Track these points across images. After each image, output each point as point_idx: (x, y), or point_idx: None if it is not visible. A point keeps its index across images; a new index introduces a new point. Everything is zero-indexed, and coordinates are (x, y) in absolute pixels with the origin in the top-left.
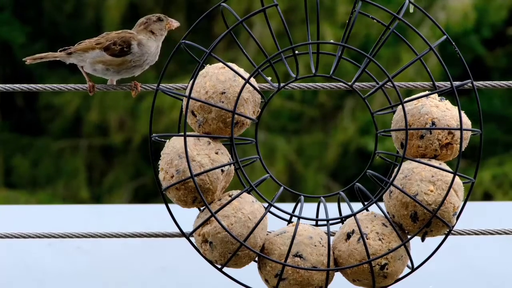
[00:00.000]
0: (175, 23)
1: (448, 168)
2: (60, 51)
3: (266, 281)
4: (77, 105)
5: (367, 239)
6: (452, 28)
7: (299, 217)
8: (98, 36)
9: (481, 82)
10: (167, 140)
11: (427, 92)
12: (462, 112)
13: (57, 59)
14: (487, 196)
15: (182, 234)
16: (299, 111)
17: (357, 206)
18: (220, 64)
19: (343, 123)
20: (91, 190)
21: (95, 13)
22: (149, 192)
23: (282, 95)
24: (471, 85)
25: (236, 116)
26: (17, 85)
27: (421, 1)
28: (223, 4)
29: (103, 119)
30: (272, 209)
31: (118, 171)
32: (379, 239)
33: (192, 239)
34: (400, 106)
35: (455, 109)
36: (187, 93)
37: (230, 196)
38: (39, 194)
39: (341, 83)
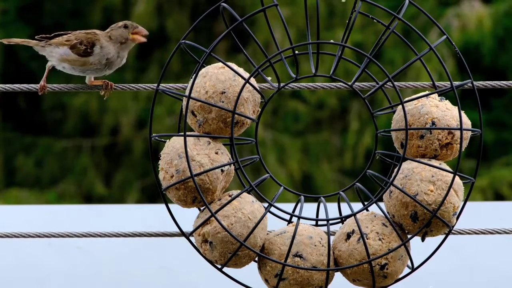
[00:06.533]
0: (141, 38)
1: (448, 168)
2: (40, 37)
3: (266, 281)
4: (85, 105)
5: (367, 239)
6: (467, 35)
7: (299, 217)
8: (71, 32)
9: (481, 82)
10: (167, 140)
11: (427, 92)
12: (462, 112)
13: (30, 46)
14: (499, 197)
15: (182, 234)
16: (313, 111)
17: (357, 206)
18: (220, 64)
19: (354, 124)
20: (104, 187)
21: (97, 13)
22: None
23: (293, 96)
24: (471, 85)
25: (236, 116)
26: (17, 85)
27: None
28: (223, 4)
29: (114, 119)
30: (272, 209)
31: (127, 171)
32: (379, 239)
33: (192, 239)
34: (400, 106)
35: (455, 109)
36: (187, 93)
37: (230, 196)
38: (47, 194)
39: (341, 83)
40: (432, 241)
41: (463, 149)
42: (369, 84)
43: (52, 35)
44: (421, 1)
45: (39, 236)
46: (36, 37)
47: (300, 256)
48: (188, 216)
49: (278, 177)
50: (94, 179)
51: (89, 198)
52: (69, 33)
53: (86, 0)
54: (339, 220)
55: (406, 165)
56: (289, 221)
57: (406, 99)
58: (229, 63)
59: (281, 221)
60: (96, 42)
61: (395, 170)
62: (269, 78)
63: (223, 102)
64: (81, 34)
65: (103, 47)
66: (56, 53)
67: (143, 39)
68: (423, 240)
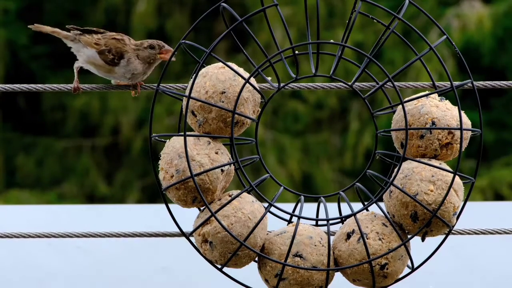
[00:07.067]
0: (167, 56)
1: (448, 168)
2: (71, 27)
3: (266, 281)
4: (86, 105)
5: (367, 239)
6: (467, 36)
7: (299, 217)
8: (104, 33)
9: (481, 82)
10: (167, 140)
11: (427, 92)
12: (462, 112)
13: (60, 37)
14: (499, 197)
15: (182, 234)
16: (312, 111)
17: (357, 206)
18: (220, 64)
19: (354, 124)
20: (106, 187)
21: (99, 13)
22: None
23: (293, 96)
24: (471, 85)
25: (236, 115)
26: (17, 85)
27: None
28: (223, 4)
29: (114, 119)
30: (272, 209)
31: (127, 171)
32: (379, 239)
33: (192, 239)
34: (400, 106)
35: (455, 109)
36: (187, 93)
37: (230, 196)
38: (48, 194)
39: (341, 83)
40: (432, 241)
41: (463, 149)
42: (369, 84)
43: (83, 29)
44: (421, 1)
45: (39, 236)
46: (67, 26)
47: (300, 256)
48: (188, 216)
49: (278, 177)
50: (96, 179)
51: (91, 198)
52: (100, 33)
53: (87, 1)
54: (339, 220)
55: (406, 165)
56: (289, 221)
57: (406, 99)
58: (229, 63)
59: (281, 221)
60: (124, 54)
61: (395, 170)
62: (269, 78)
63: (223, 102)
64: (111, 41)
65: (130, 62)
66: (83, 53)
67: (172, 58)
68: (423, 240)
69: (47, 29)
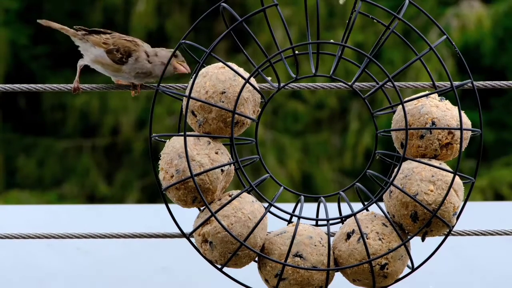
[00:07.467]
0: (182, 69)
1: (448, 168)
2: (78, 29)
3: (266, 281)
4: (86, 105)
5: (367, 239)
6: (466, 35)
7: (299, 217)
8: (112, 33)
9: (481, 82)
10: (167, 140)
11: (427, 92)
12: (462, 112)
13: (68, 34)
14: (499, 197)
15: (182, 234)
16: (312, 111)
17: (357, 206)
18: (220, 64)
19: (354, 124)
20: (106, 187)
21: (98, 13)
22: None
23: (293, 96)
24: (471, 85)
25: (236, 115)
26: (17, 85)
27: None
28: (223, 4)
29: (114, 119)
30: (272, 209)
31: (128, 171)
32: (379, 239)
33: (192, 239)
34: (400, 106)
35: (455, 109)
36: (187, 93)
37: (230, 196)
38: (48, 195)
39: (341, 83)
40: (432, 241)
41: (463, 149)
42: (369, 84)
43: (91, 29)
44: (421, 1)
45: (39, 237)
46: (74, 27)
47: (300, 256)
48: (188, 216)
49: (278, 177)
50: (96, 180)
51: (91, 198)
52: (108, 33)
53: (87, 0)
54: (339, 220)
55: (406, 165)
56: (289, 221)
57: (406, 99)
58: (229, 63)
59: (281, 221)
60: (132, 53)
61: (395, 170)
62: (269, 78)
63: (223, 102)
64: (120, 41)
65: (138, 61)
66: (91, 52)
67: (184, 71)
68: (423, 240)
69: (56, 25)
